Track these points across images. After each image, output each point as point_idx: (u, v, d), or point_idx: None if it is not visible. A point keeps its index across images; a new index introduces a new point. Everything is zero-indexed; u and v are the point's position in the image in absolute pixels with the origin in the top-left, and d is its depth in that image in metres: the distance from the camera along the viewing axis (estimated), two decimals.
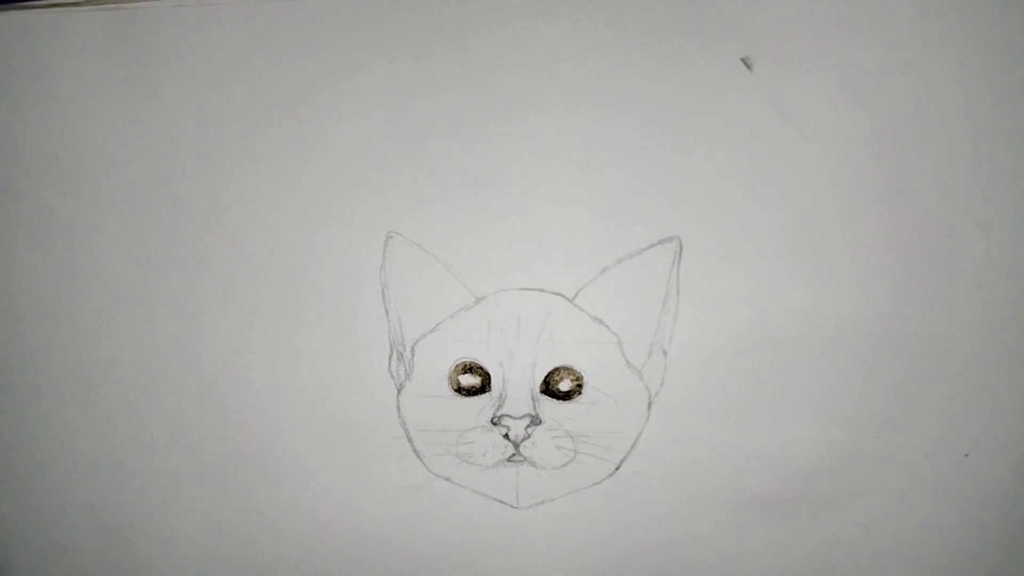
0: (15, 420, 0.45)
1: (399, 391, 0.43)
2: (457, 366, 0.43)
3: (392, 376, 0.43)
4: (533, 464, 0.44)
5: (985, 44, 0.37)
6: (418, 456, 0.44)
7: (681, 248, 0.40)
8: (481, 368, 0.42)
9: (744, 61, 0.37)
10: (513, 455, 0.43)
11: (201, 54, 0.39)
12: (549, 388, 0.42)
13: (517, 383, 0.42)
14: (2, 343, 0.44)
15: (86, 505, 0.45)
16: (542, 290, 0.41)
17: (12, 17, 0.39)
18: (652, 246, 0.40)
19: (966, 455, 0.42)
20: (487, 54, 0.38)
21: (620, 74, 0.38)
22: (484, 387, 0.43)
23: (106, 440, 0.45)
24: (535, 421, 0.43)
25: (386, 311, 0.42)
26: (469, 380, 0.43)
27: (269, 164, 0.40)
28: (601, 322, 0.42)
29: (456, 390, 0.43)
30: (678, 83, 0.38)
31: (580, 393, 0.43)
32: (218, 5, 0.38)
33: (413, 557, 0.45)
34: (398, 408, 0.43)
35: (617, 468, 0.44)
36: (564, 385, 0.42)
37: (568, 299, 0.41)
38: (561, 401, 0.43)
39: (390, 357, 0.42)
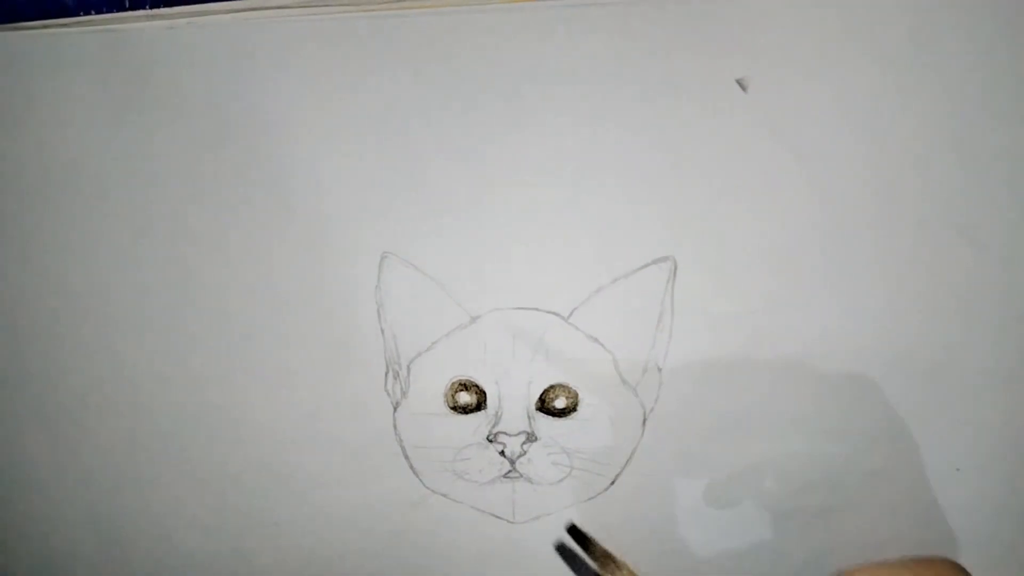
0: (16, 435, 0.45)
1: (395, 409, 0.43)
2: (453, 384, 0.43)
3: (388, 394, 0.43)
4: (529, 480, 0.44)
5: (978, 65, 0.37)
6: (415, 472, 0.44)
7: (676, 268, 0.40)
8: (477, 386, 0.43)
9: (739, 82, 0.37)
10: (509, 471, 0.44)
11: (194, 75, 0.39)
12: (545, 405, 0.43)
13: (513, 401, 0.43)
14: (2, 359, 0.44)
15: (87, 518, 0.46)
16: (537, 309, 0.41)
17: (3, 37, 0.39)
18: (647, 266, 0.40)
19: (957, 469, 0.43)
20: (482, 75, 0.38)
21: (615, 94, 0.38)
22: (480, 405, 0.43)
23: (105, 454, 0.45)
24: (531, 438, 0.43)
25: (382, 330, 0.42)
26: (465, 398, 0.43)
27: (264, 185, 0.40)
28: (596, 340, 0.42)
29: (452, 408, 0.43)
30: (673, 104, 0.38)
31: (575, 410, 0.43)
32: (210, 27, 0.38)
33: (410, 572, 0.45)
34: (394, 425, 0.43)
35: (612, 483, 0.44)
36: (559, 402, 0.43)
37: (563, 318, 0.41)
38: (557, 418, 0.43)
39: (386, 375, 0.43)
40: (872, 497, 0.43)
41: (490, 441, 0.43)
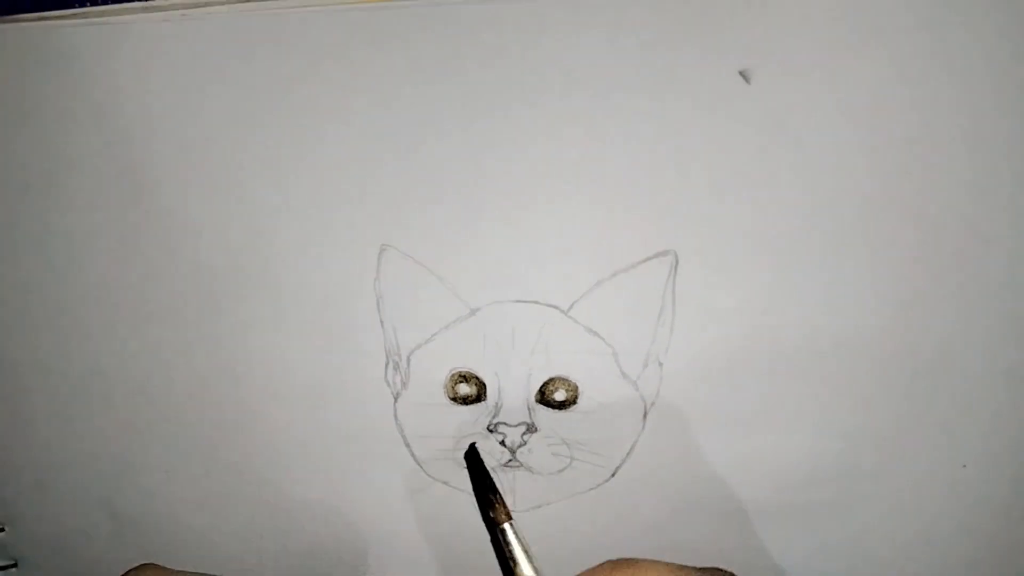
0: (29, 422, 0.46)
1: (396, 399, 0.43)
2: (453, 375, 0.43)
3: (389, 385, 0.43)
4: (529, 469, 0.44)
5: (986, 56, 0.35)
6: (416, 461, 0.45)
7: (677, 262, 0.40)
8: (476, 378, 0.43)
9: (742, 74, 0.36)
10: (510, 461, 0.44)
11: (190, 65, 0.38)
12: (544, 398, 0.43)
13: (512, 393, 0.43)
14: (12, 349, 0.45)
15: (100, 499, 0.47)
16: (537, 302, 0.41)
17: (1, 29, 0.39)
18: (648, 259, 0.40)
19: (964, 466, 0.42)
20: (481, 67, 0.37)
21: (616, 86, 0.37)
22: (480, 396, 0.43)
23: (111, 441, 0.46)
24: (531, 429, 0.43)
25: (381, 322, 0.42)
26: (465, 389, 0.43)
27: (262, 176, 0.40)
28: (596, 334, 0.42)
29: (452, 399, 0.43)
30: (675, 95, 0.37)
31: (575, 403, 0.43)
32: (205, 18, 0.38)
33: (412, 559, 0.46)
34: (395, 416, 0.44)
35: (613, 475, 0.44)
36: (559, 395, 0.43)
37: (563, 311, 0.41)
38: (557, 410, 0.43)
39: (386, 366, 0.43)
40: (878, 493, 0.43)
41: (490, 431, 0.43)
